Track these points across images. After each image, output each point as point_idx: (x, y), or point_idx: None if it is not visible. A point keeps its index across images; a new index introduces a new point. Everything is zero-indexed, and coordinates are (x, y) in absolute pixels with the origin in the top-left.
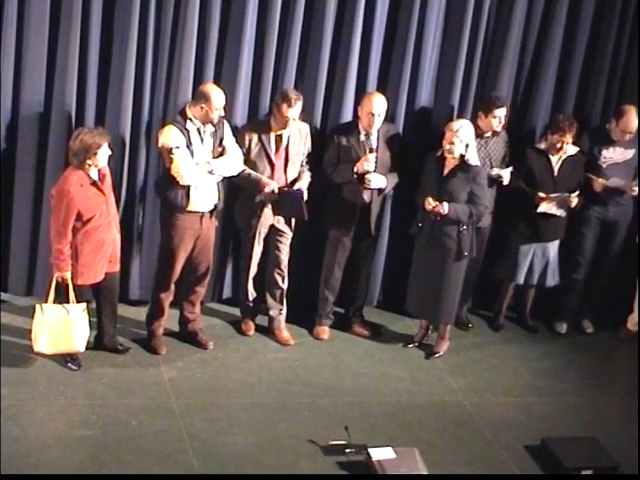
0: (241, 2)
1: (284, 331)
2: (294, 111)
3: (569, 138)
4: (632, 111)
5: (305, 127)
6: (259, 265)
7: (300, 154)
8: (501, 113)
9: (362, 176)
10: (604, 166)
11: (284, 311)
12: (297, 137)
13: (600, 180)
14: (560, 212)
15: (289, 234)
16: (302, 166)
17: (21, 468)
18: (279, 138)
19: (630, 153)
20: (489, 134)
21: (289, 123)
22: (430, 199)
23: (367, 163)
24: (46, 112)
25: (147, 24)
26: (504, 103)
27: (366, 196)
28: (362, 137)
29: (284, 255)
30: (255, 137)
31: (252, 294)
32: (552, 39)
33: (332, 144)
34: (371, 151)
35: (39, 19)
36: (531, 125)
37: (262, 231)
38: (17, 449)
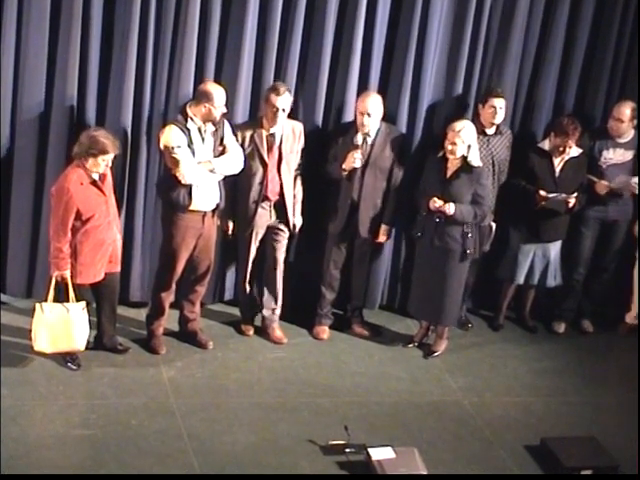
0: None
1: (277, 330)
2: (283, 100)
3: (572, 141)
4: (628, 103)
5: (299, 126)
6: (255, 264)
7: (295, 153)
8: (498, 104)
9: (350, 173)
10: (604, 167)
11: (278, 311)
12: (290, 136)
13: (603, 182)
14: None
15: (286, 233)
16: (297, 170)
17: (21, 468)
18: (272, 137)
19: (630, 154)
20: (492, 132)
21: (279, 116)
22: (436, 199)
23: (353, 160)
24: (46, 110)
25: (148, 22)
26: (502, 94)
27: (355, 195)
28: (359, 137)
29: (280, 255)
30: (248, 136)
31: (248, 289)
32: (553, 39)
33: (332, 143)
34: (356, 148)
35: (39, 16)
36: (532, 125)
37: (259, 231)
38: (17, 449)
